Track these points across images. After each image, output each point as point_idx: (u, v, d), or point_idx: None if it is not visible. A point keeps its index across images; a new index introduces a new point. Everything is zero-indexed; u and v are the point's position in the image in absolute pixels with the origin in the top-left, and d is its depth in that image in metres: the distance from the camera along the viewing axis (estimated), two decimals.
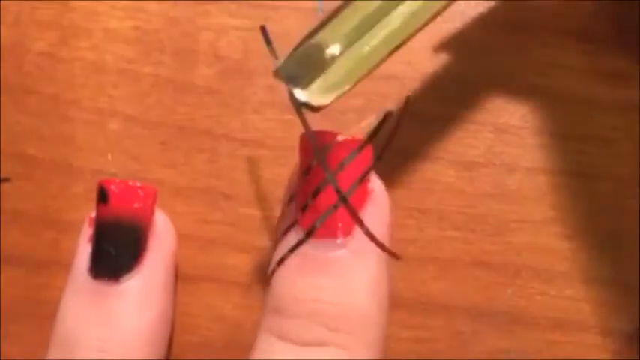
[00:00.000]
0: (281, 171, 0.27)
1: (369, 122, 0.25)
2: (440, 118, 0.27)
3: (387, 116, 0.23)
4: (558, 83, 0.26)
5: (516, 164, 0.26)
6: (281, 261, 0.23)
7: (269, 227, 0.27)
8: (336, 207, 0.22)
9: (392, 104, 0.27)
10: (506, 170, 0.27)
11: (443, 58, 0.27)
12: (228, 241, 0.27)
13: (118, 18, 0.28)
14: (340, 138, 0.23)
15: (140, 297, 0.24)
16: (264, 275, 0.26)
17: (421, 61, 0.27)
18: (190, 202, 0.27)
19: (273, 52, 0.24)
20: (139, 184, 0.25)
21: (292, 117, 0.27)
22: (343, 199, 0.22)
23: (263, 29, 0.24)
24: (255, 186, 0.27)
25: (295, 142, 0.27)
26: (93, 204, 0.27)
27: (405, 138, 0.26)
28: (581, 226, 0.26)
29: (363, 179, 0.23)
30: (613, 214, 0.26)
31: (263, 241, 0.27)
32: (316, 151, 0.23)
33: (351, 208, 0.22)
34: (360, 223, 0.22)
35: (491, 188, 0.27)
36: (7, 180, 0.28)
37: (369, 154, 0.23)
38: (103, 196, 0.25)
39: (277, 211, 0.27)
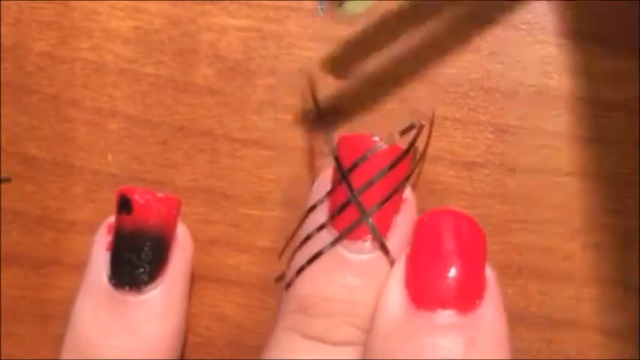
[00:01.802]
0: (281, 171, 0.27)
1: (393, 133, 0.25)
2: (440, 118, 0.27)
3: (421, 129, 0.25)
4: (558, 83, 0.26)
5: (516, 164, 0.26)
6: (311, 260, 0.23)
7: (269, 227, 0.27)
8: (368, 216, 0.23)
9: (392, 105, 0.27)
10: (506, 170, 0.26)
11: (443, 58, 0.27)
12: (229, 241, 0.27)
13: (119, 18, 0.28)
14: (381, 144, 0.23)
15: (162, 307, 0.24)
16: (266, 275, 0.26)
17: (421, 62, 0.27)
18: (191, 203, 0.27)
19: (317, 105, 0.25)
20: (162, 195, 0.25)
21: (292, 117, 0.27)
22: (368, 215, 0.23)
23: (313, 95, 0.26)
24: (255, 186, 0.27)
25: (296, 142, 0.27)
26: (93, 204, 0.27)
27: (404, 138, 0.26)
28: (582, 226, 0.26)
29: (400, 188, 0.24)
30: (613, 214, 0.26)
31: (263, 241, 0.27)
32: (341, 169, 0.23)
33: (391, 215, 0.23)
34: (384, 248, 0.23)
35: (491, 188, 0.26)
36: (7, 180, 0.28)
37: (407, 163, 0.24)
38: (126, 206, 0.24)
39: (277, 211, 0.27)
